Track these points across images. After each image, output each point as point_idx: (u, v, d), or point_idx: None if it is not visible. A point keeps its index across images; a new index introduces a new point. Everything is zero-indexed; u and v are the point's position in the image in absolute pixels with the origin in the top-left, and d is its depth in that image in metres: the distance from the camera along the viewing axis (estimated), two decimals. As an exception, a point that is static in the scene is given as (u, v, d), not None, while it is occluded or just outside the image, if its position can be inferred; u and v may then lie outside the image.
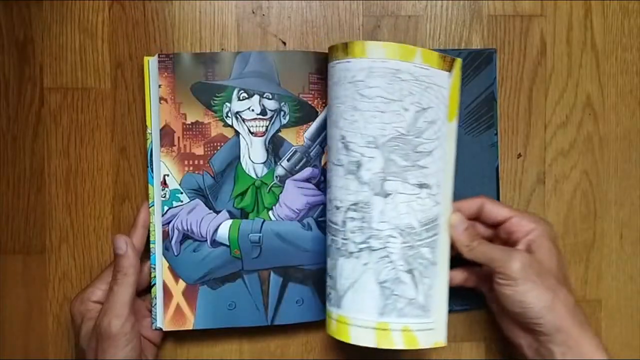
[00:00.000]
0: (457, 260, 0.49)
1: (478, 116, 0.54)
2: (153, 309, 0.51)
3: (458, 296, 0.52)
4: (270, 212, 0.52)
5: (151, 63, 0.51)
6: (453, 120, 0.48)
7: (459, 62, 0.48)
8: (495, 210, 0.49)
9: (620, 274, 0.57)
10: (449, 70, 0.47)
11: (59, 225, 0.54)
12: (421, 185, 0.47)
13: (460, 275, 0.51)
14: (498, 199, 0.54)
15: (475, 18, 0.55)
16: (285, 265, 0.51)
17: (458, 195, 0.52)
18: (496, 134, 0.54)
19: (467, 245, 0.47)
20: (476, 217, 0.50)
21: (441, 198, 0.48)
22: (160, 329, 0.51)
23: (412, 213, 0.46)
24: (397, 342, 0.46)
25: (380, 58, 0.46)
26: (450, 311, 0.49)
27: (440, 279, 0.48)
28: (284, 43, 0.54)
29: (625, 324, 0.57)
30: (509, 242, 0.49)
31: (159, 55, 0.50)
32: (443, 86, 0.47)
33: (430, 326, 0.47)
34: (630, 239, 0.57)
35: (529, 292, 0.44)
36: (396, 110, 0.46)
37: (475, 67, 0.53)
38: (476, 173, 0.54)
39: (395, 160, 0.46)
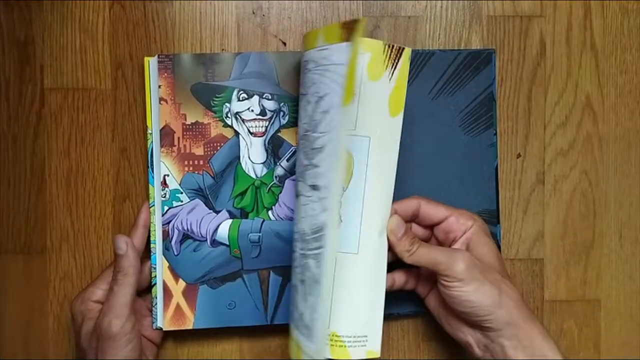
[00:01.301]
0: (394, 263, 0.48)
1: (477, 116, 0.54)
2: (153, 308, 0.51)
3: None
4: (269, 212, 0.52)
5: (151, 63, 0.51)
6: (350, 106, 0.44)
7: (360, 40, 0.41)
8: (432, 211, 0.48)
9: (620, 274, 0.57)
10: (347, 39, 0.41)
11: (59, 225, 0.54)
12: (313, 187, 0.43)
13: (400, 278, 0.50)
14: (497, 199, 0.54)
15: (475, 18, 0.55)
16: (284, 265, 0.51)
17: (458, 195, 0.53)
18: (495, 134, 0.54)
19: (407, 250, 0.46)
20: (412, 219, 0.49)
21: (329, 203, 0.41)
22: (161, 329, 0.51)
23: (306, 217, 0.44)
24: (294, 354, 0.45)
25: (305, 51, 0.46)
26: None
27: (323, 303, 0.42)
28: (284, 43, 0.54)
29: (625, 323, 0.57)
30: (446, 241, 0.48)
31: (158, 55, 0.50)
32: (341, 63, 0.41)
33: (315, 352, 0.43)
34: (630, 239, 0.57)
35: (476, 291, 0.44)
36: (303, 106, 0.45)
37: (475, 67, 0.53)
38: (475, 173, 0.54)
39: (300, 159, 0.45)
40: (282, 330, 0.52)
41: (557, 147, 0.56)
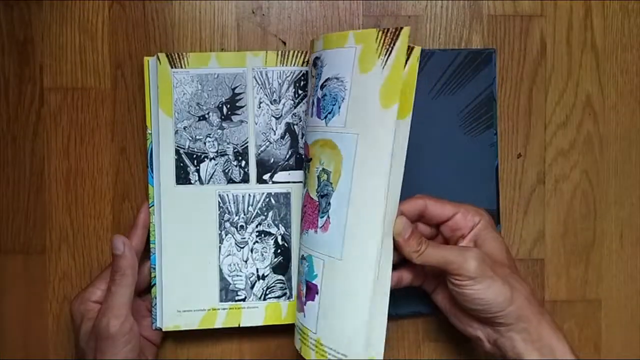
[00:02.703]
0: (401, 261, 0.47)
1: (477, 116, 0.54)
2: (153, 309, 0.51)
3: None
4: None
5: (151, 63, 0.51)
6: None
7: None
8: (438, 209, 0.47)
9: (620, 274, 0.57)
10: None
11: (59, 225, 0.54)
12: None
13: (408, 276, 0.49)
14: (498, 199, 0.54)
15: (475, 18, 0.55)
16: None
17: (459, 195, 0.52)
18: (495, 133, 0.54)
19: (416, 250, 0.45)
20: (418, 219, 0.48)
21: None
22: (160, 329, 0.51)
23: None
24: None
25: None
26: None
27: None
28: (284, 43, 0.54)
29: (625, 324, 0.56)
30: (453, 239, 0.48)
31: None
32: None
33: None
34: (630, 239, 0.57)
35: (489, 288, 0.44)
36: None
37: (475, 67, 0.53)
38: (475, 173, 0.54)
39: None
40: (282, 330, 0.52)
41: (557, 147, 0.56)
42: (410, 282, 0.50)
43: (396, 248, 0.45)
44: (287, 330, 0.52)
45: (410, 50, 0.42)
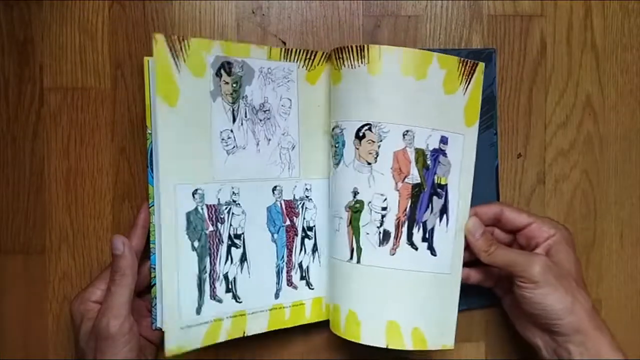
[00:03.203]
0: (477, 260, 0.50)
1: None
2: (153, 309, 0.51)
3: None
4: None
5: (151, 63, 0.51)
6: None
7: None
8: (514, 217, 0.50)
9: (621, 274, 0.57)
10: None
11: (59, 226, 0.54)
12: None
13: (476, 275, 0.52)
14: (498, 199, 0.54)
15: (475, 18, 0.55)
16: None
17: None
18: (495, 133, 0.54)
19: (485, 250, 0.48)
20: (494, 223, 0.51)
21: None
22: (160, 329, 0.51)
23: None
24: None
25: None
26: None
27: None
28: (284, 43, 0.54)
29: (625, 324, 0.56)
30: (528, 248, 0.50)
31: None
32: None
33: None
34: (631, 239, 0.57)
35: (550, 294, 0.45)
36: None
37: (475, 67, 0.54)
38: (476, 173, 0.54)
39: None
40: (282, 330, 0.52)
41: (557, 147, 0.56)
42: (479, 282, 0.52)
43: (468, 247, 0.49)
44: (287, 331, 0.52)
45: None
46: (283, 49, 0.51)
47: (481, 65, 0.49)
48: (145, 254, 0.51)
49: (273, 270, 0.51)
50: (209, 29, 0.54)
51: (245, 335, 0.50)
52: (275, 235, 0.51)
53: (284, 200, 0.51)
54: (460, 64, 0.49)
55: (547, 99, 0.56)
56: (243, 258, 0.50)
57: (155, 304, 0.51)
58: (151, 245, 0.51)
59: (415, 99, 0.48)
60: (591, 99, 0.56)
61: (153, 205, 0.51)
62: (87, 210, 0.54)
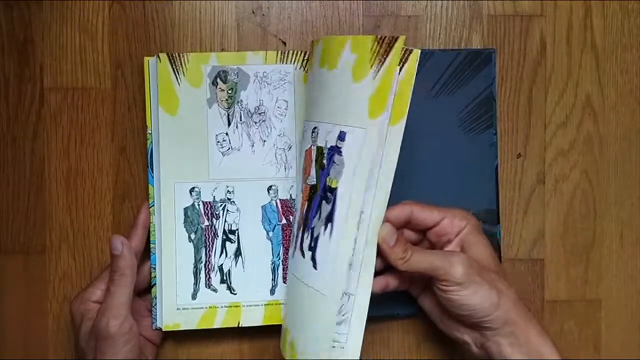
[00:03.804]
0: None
1: (477, 116, 0.54)
2: (153, 309, 0.51)
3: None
4: None
5: (151, 63, 0.51)
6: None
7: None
8: (425, 215, 0.46)
9: (620, 274, 0.57)
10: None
11: (59, 225, 0.54)
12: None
13: (393, 281, 0.48)
14: (497, 199, 0.54)
15: (475, 18, 0.55)
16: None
17: (458, 195, 0.53)
18: (495, 133, 0.54)
19: (401, 257, 0.44)
20: (404, 225, 0.47)
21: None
22: (160, 329, 0.51)
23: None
24: None
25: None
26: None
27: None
28: (284, 43, 0.54)
29: (625, 324, 0.56)
30: (438, 244, 0.48)
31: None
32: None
33: None
34: (630, 239, 0.57)
35: (475, 293, 0.44)
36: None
37: (475, 67, 0.53)
38: (475, 173, 0.54)
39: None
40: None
41: (557, 147, 0.56)
42: (397, 287, 0.49)
43: (381, 255, 0.44)
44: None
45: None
46: (279, 53, 0.51)
47: (401, 40, 0.41)
48: (146, 254, 0.51)
49: (268, 266, 0.52)
50: (209, 29, 0.54)
51: (240, 326, 0.51)
52: (271, 233, 0.52)
53: (280, 199, 0.52)
54: (375, 44, 0.42)
55: (547, 99, 0.56)
56: (237, 252, 0.52)
57: (155, 304, 0.51)
58: (151, 245, 0.51)
59: (326, 91, 0.45)
60: (591, 99, 0.56)
61: (153, 205, 0.51)
62: (87, 210, 0.54)
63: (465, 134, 0.54)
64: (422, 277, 0.49)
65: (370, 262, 0.43)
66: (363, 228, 0.43)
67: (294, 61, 0.52)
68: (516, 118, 0.56)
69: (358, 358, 0.44)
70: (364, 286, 0.43)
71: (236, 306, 0.51)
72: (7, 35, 0.53)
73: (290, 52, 0.51)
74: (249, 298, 0.52)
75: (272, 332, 0.53)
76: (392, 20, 0.55)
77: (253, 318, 0.52)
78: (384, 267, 0.47)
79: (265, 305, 0.52)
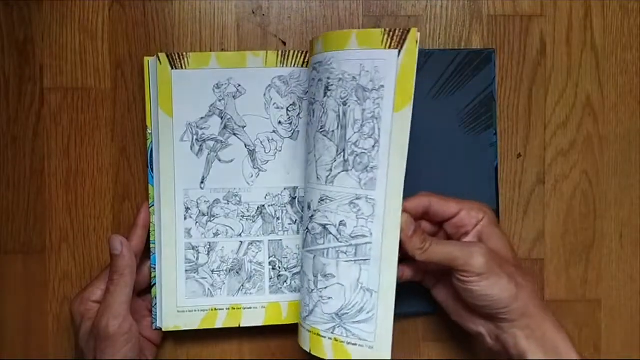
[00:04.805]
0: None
1: (477, 116, 0.54)
2: (153, 309, 0.51)
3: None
4: None
5: (151, 63, 0.51)
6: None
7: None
8: (443, 207, 0.47)
9: (620, 274, 0.57)
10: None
11: (59, 225, 0.54)
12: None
13: (408, 272, 0.49)
14: (497, 199, 0.54)
15: (475, 18, 0.55)
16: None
17: (458, 195, 0.52)
18: (495, 133, 0.54)
19: (419, 247, 0.44)
20: (422, 217, 0.48)
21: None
22: (160, 329, 0.51)
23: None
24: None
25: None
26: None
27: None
28: (284, 43, 0.54)
29: (625, 324, 0.56)
30: (456, 236, 0.48)
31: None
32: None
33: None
34: (630, 239, 0.57)
35: (495, 285, 0.44)
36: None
37: (475, 67, 0.53)
38: (475, 173, 0.54)
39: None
40: (283, 330, 0.52)
41: (557, 147, 0.56)
42: (411, 278, 0.49)
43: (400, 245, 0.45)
44: (287, 331, 0.52)
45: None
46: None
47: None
48: (146, 254, 0.51)
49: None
50: (209, 29, 0.54)
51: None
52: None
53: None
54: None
55: (547, 99, 0.56)
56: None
57: (155, 304, 0.51)
58: (151, 245, 0.51)
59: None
60: (591, 99, 0.56)
61: (153, 205, 0.51)
62: (87, 210, 0.54)
63: (465, 134, 0.54)
64: (437, 269, 0.49)
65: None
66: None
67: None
68: (516, 118, 0.56)
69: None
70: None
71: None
72: (7, 35, 0.53)
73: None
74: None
75: (272, 332, 0.54)
76: (392, 21, 0.55)
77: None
78: (400, 257, 0.46)
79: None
